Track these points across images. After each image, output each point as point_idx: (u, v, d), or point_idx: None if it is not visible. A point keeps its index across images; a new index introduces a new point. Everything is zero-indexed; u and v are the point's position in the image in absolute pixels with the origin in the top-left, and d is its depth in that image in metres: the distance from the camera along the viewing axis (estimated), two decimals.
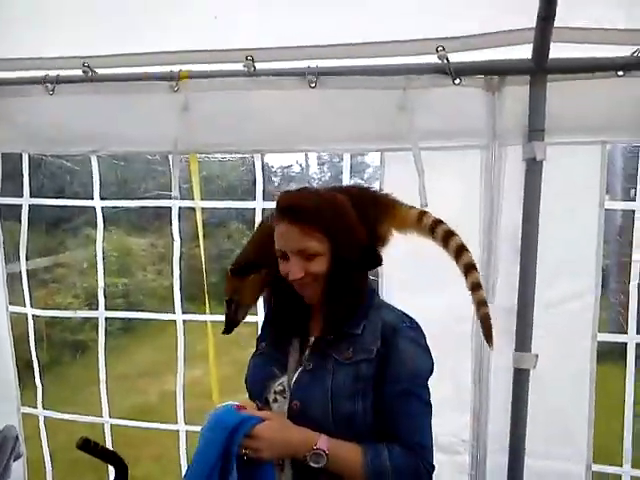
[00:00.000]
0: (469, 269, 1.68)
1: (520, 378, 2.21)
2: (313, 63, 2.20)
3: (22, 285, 2.96)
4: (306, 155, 10.38)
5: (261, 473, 1.44)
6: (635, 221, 2.28)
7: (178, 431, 2.88)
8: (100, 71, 2.37)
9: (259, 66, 2.22)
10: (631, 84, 2.07)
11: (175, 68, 2.31)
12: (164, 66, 2.31)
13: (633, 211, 2.30)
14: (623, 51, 2.05)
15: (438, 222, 1.72)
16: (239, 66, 2.23)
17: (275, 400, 1.53)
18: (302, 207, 1.45)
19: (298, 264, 1.46)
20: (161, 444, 5.13)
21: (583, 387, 2.26)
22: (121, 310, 6.76)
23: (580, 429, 2.28)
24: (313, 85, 2.19)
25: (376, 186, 2.14)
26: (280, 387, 1.53)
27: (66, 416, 3.07)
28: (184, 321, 2.81)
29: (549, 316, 2.23)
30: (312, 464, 1.40)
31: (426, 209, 1.78)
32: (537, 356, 2.17)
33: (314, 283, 1.49)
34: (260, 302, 1.86)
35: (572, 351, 2.26)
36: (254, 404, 1.55)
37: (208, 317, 2.73)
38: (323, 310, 1.55)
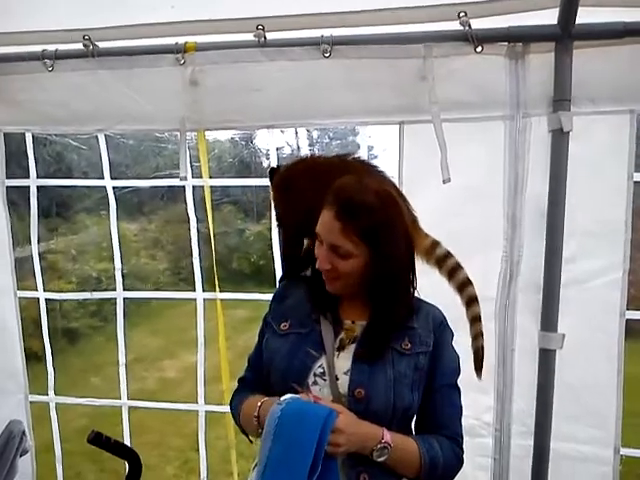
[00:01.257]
0: (471, 302, 1.77)
1: (546, 359, 2.13)
2: (327, 32, 2.09)
3: (34, 269, 2.93)
4: (297, 136, 10.31)
5: (325, 469, 1.32)
6: None
7: (197, 411, 2.85)
8: (102, 44, 2.26)
9: (270, 36, 2.12)
10: None
11: (181, 40, 2.20)
12: (169, 38, 2.20)
13: None
14: None
15: (448, 255, 1.75)
16: (249, 36, 2.12)
17: (315, 383, 1.46)
18: (356, 208, 1.40)
19: (328, 256, 1.45)
20: (160, 431, 5.12)
21: (611, 367, 2.19)
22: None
23: (608, 411, 2.21)
24: (328, 55, 2.09)
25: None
26: (320, 369, 1.47)
27: (81, 400, 3.05)
28: (205, 301, 2.77)
29: (575, 293, 2.15)
30: (376, 458, 1.39)
31: (439, 240, 1.76)
32: (564, 336, 2.09)
33: (338, 279, 1.48)
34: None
35: (599, 329, 2.18)
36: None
37: (219, 295, 2.69)
38: (371, 299, 1.52)
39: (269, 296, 1.70)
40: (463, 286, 1.75)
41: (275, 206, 1.86)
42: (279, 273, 2.54)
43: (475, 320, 1.77)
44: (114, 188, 2.75)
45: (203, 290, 2.74)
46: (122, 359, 2.93)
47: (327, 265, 1.45)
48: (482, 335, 1.79)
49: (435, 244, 1.75)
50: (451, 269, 1.75)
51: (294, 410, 1.34)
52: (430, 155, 2.03)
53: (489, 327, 2.20)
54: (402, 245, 1.46)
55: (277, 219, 1.92)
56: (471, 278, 2.01)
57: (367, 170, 1.74)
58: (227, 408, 2.64)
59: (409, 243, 1.50)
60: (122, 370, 2.92)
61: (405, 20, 2.02)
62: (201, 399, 2.81)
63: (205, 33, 2.17)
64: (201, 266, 2.71)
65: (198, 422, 2.83)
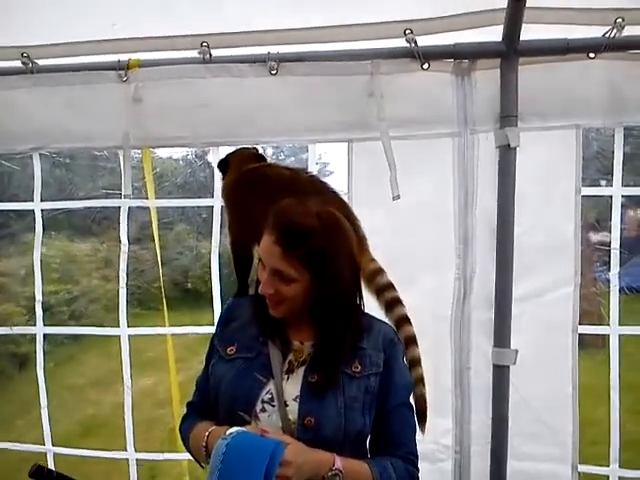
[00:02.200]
0: (409, 343, 1.71)
1: (500, 375, 2.12)
2: (274, 49, 2.06)
3: None
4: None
5: None
6: (612, 207, 2.22)
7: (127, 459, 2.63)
8: (41, 62, 2.19)
9: (215, 53, 2.08)
10: (603, 66, 2.02)
11: (124, 57, 2.14)
12: (112, 55, 2.14)
13: (610, 197, 2.23)
14: (594, 32, 1.98)
15: (388, 287, 1.72)
16: (194, 53, 2.09)
17: (263, 410, 1.41)
18: (295, 233, 1.35)
19: (270, 281, 1.40)
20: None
21: (565, 383, 2.18)
22: (66, 320, 6.47)
23: (565, 429, 2.19)
24: (274, 72, 2.07)
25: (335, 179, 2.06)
26: (269, 395, 1.41)
27: (4, 445, 2.78)
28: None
29: (528, 308, 2.14)
30: None
31: (384, 268, 1.74)
32: (517, 351, 2.08)
33: (282, 304, 1.43)
34: None
35: (552, 345, 2.18)
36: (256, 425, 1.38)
37: (168, 330, 2.57)
38: (317, 323, 1.47)
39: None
40: (401, 323, 1.71)
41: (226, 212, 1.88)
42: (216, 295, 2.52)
43: (414, 363, 1.72)
44: (43, 211, 2.60)
45: (128, 324, 2.56)
46: (44, 401, 2.66)
47: (270, 290, 1.40)
48: (423, 382, 1.75)
49: (378, 272, 1.72)
50: (390, 301, 1.72)
51: (239, 445, 1.28)
52: (380, 173, 2.00)
53: (445, 345, 2.20)
54: (346, 269, 1.41)
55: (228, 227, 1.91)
56: (423, 296, 2.00)
57: (315, 186, 1.72)
58: (159, 456, 2.60)
59: (354, 266, 1.45)
60: (44, 413, 2.65)
61: (352, 37, 2.02)
62: (130, 447, 2.60)
63: (148, 50, 2.12)
64: (127, 300, 2.56)
65: (129, 472, 2.62)
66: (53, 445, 2.65)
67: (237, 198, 1.82)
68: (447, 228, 2.15)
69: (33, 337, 2.73)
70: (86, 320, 7.38)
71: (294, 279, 1.37)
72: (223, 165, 1.93)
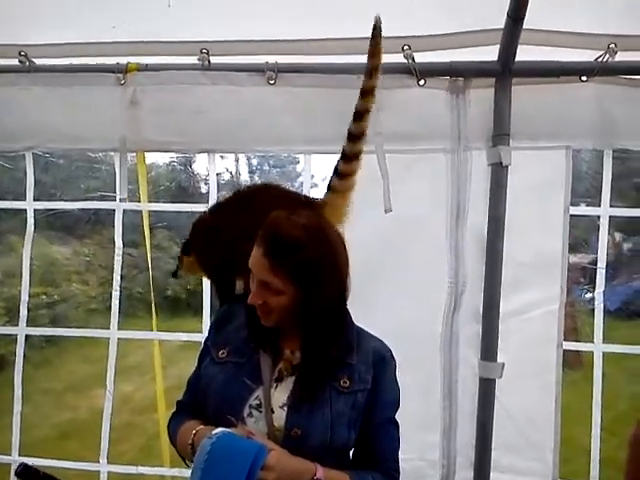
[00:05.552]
0: None
1: (486, 388, 2.14)
2: (272, 59, 2.09)
3: None
4: (237, 162, 10.35)
5: None
6: (600, 227, 2.26)
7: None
8: (39, 61, 2.19)
9: (214, 60, 2.10)
10: (594, 89, 2.07)
11: (123, 60, 2.15)
12: (111, 57, 2.15)
13: (598, 217, 2.28)
14: (587, 56, 2.04)
15: None
16: (193, 59, 2.10)
17: (250, 415, 1.42)
18: (283, 246, 1.37)
19: (259, 292, 1.42)
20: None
21: (549, 398, 2.21)
22: (46, 323, 6.35)
23: (546, 442, 2.22)
24: (272, 82, 2.09)
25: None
26: (256, 401, 1.43)
27: None
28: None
29: (514, 324, 2.18)
30: None
31: None
32: (504, 365, 2.10)
33: (271, 314, 1.44)
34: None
35: (537, 360, 2.21)
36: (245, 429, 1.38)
37: (155, 335, 2.55)
38: (301, 335, 1.48)
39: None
40: None
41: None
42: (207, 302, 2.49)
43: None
44: (36, 211, 2.57)
45: (118, 327, 2.54)
46: (17, 407, 2.55)
47: (258, 300, 1.42)
48: None
49: None
50: None
51: (223, 445, 1.30)
52: (373, 186, 2.02)
53: (435, 359, 2.22)
54: (332, 284, 1.43)
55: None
56: (415, 309, 2.10)
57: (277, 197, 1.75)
58: (130, 469, 2.54)
59: (341, 281, 1.46)
60: (17, 419, 2.55)
61: (350, 50, 2.03)
62: (103, 459, 2.52)
63: (148, 54, 2.13)
64: (120, 300, 2.53)
65: None
66: (20, 455, 2.52)
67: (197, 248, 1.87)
68: (438, 242, 2.17)
69: (10, 340, 2.66)
70: (67, 324, 7.29)
71: (282, 291, 1.39)
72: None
